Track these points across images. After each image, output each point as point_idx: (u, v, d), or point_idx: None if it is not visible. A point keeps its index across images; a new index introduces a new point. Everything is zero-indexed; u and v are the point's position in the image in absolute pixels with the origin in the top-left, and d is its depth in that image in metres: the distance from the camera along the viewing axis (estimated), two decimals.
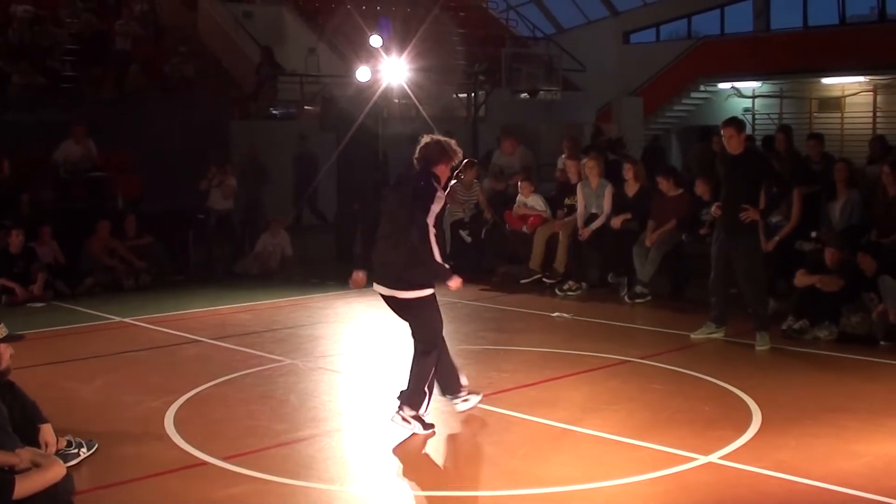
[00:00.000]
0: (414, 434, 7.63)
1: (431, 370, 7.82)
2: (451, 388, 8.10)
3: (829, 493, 6.35)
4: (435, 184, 7.73)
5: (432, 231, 7.69)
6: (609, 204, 14.15)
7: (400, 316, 7.93)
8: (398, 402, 7.73)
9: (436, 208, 7.69)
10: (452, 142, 7.96)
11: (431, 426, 7.71)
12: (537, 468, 6.89)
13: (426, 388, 7.78)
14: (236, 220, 17.53)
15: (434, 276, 7.77)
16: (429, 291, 7.77)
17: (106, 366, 10.18)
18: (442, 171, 7.86)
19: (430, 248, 7.64)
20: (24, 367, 8.39)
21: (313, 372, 9.84)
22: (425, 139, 7.96)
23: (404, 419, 7.68)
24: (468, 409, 8.12)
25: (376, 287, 7.81)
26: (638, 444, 7.31)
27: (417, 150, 7.91)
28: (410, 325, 7.89)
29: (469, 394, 8.16)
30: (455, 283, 7.88)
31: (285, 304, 13.69)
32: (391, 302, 7.83)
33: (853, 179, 12.44)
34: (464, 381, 8.13)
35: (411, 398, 7.72)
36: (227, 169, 17.26)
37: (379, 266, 7.81)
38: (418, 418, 7.69)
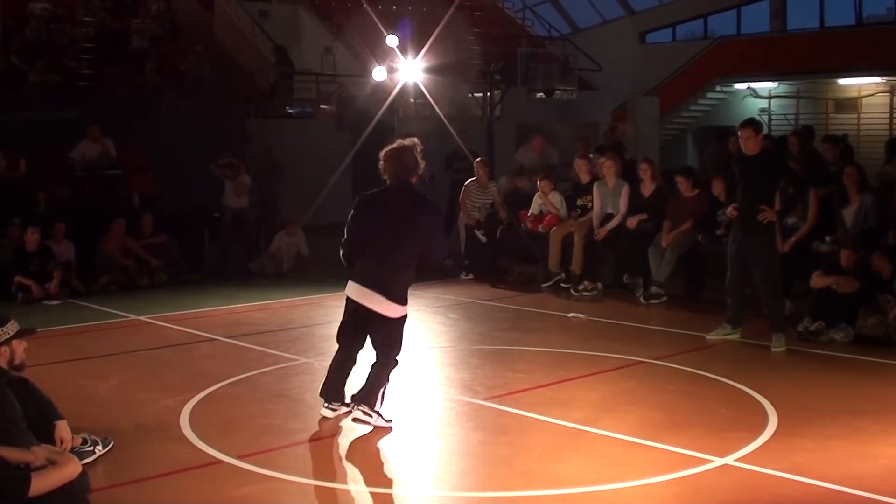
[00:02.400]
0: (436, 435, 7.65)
1: (389, 375, 7.97)
2: (333, 395, 8.16)
3: (845, 495, 6.33)
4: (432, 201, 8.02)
5: None
6: (626, 204, 14.14)
7: (372, 330, 7.94)
8: (353, 403, 7.93)
9: None
10: (416, 142, 8.00)
11: (390, 420, 7.86)
12: (553, 469, 6.88)
13: (382, 390, 7.92)
14: (251, 218, 17.54)
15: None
16: (406, 309, 7.98)
17: (121, 364, 10.21)
18: (414, 179, 8.01)
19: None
20: (39, 365, 8.42)
21: None
22: (397, 145, 7.96)
23: (365, 413, 7.82)
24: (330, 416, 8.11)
25: (361, 294, 7.82)
26: (653, 446, 7.30)
27: (391, 159, 7.88)
28: (381, 340, 7.92)
29: (341, 405, 8.15)
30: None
31: (300, 303, 13.70)
32: (373, 317, 7.82)
33: (865, 183, 12.39)
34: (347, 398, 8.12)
35: (368, 398, 7.86)
36: (242, 166, 17.28)
37: (375, 270, 7.80)
38: (377, 413, 7.84)
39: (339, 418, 8.11)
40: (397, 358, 7.98)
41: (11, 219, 14.55)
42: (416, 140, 8.02)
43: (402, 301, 7.84)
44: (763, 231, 10.52)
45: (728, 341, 10.91)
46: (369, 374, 7.93)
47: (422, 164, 7.95)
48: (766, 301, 10.73)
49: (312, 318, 12.66)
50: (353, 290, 7.89)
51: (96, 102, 18.59)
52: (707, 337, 11.03)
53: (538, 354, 10.61)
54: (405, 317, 7.94)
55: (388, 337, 7.89)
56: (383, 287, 7.75)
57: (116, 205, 16.40)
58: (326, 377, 8.18)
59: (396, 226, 7.78)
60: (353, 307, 7.94)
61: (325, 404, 8.12)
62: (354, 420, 7.86)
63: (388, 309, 7.76)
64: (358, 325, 7.98)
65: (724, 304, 11.21)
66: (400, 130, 18.30)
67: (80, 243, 14.88)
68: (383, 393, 7.92)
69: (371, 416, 7.79)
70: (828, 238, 12.12)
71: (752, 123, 10.79)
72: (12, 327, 6.41)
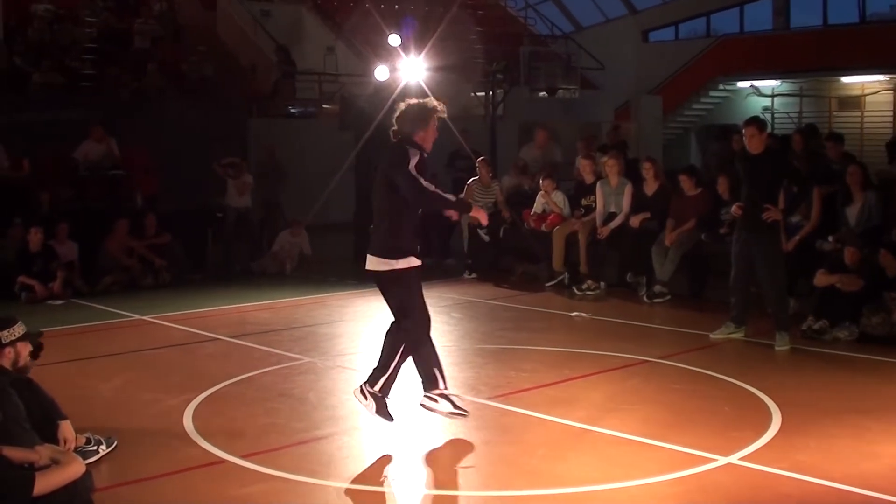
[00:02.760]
0: (436, 431, 7.65)
1: (430, 350, 7.72)
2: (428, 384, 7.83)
3: (849, 494, 6.32)
4: (408, 147, 7.49)
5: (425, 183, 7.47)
6: (629, 203, 14.12)
7: (386, 295, 7.73)
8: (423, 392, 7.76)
9: (414, 164, 7.43)
10: (428, 100, 7.76)
11: (461, 409, 7.73)
12: (556, 468, 6.87)
13: (437, 369, 7.71)
14: (254, 218, 17.56)
15: (452, 207, 7.77)
16: (414, 263, 7.57)
17: (125, 363, 10.21)
18: (422, 137, 7.62)
19: (431, 192, 7.49)
20: (43, 365, 8.37)
21: (332, 370, 9.84)
22: (400, 106, 7.73)
23: (431, 399, 7.72)
24: (435, 410, 7.78)
25: (368, 262, 7.66)
26: (657, 445, 7.29)
27: (394, 121, 7.69)
28: (391, 304, 7.72)
29: (441, 397, 7.79)
30: (477, 212, 7.92)
31: (304, 303, 13.70)
32: (378, 277, 7.63)
33: (868, 182, 12.37)
34: (441, 385, 7.78)
35: (427, 383, 7.72)
36: (244, 166, 17.30)
37: (374, 235, 7.71)
38: (443, 397, 7.71)
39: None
40: (417, 329, 7.65)
41: (13, 219, 14.56)
42: (423, 100, 7.77)
43: (395, 255, 7.51)
44: (768, 230, 10.50)
45: (732, 340, 10.90)
46: (389, 359, 7.73)
47: (427, 118, 7.64)
48: (771, 300, 10.71)
49: (316, 318, 12.65)
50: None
51: (99, 103, 18.60)
52: (711, 336, 11.01)
53: (542, 353, 10.60)
54: (408, 272, 7.56)
55: (395, 297, 7.66)
56: (373, 246, 7.63)
57: (119, 205, 16.42)
58: None
59: (378, 181, 7.66)
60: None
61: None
62: (422, 406, 7.76)
63: (379, 263, 7.55)
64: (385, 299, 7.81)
65: (727, 303, 11.18)
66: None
67: (84, 243, 14.90)
68: (440, 370, 7.72)
69: (437, 401, 7.68)
70: (831, 237, 12.10)
71: (755, 122, 10.78)
72: (19, 329, 6.43)
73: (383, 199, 7.58)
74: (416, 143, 7.59)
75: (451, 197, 7.78)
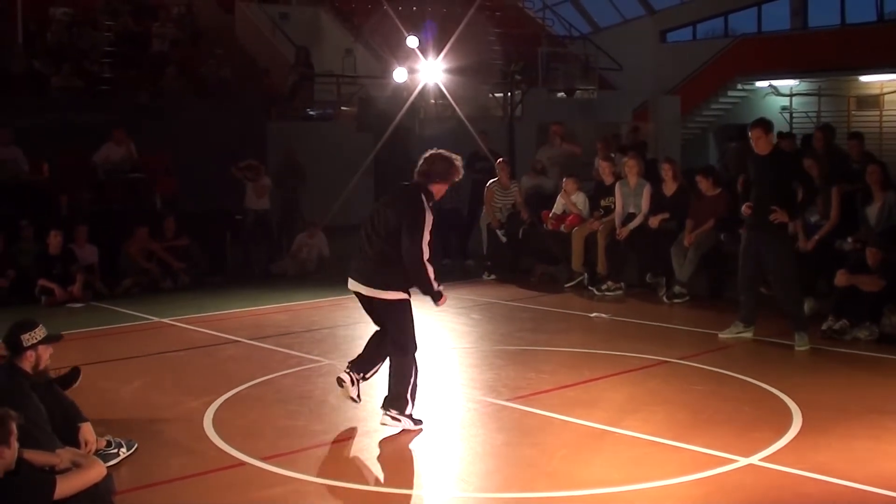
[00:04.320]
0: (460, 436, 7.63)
1: (412, 372, 7.81)
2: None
3: (870, 495, 6.30)
4: (425, 203, 7.64)
5: (426, 247, 7.62)
6: (647, 203, 14.09)
7: (375, 317, 7.98)
8: (382, 408, 7.82)
9: (428, 226, 7.62)
10: (457, 159, 7.92)
11: (420, 422, 7.80)
12: (577, 470, 6.87)
13: (409, 391, 7.78)
14: (273, 220, 17.58)
15: (426, 293, 7.78)
16: (406, 295, 7.77)
17: (145, 366, 10.24)
18: (438, 189, 7.84)
19: (426, 270, 7.62)
20: (63, 368, 8.47)
21: None
22: (434, 153, 7.91)
23: (393, 418, 7.75)
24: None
25: (353, 285, 7.87)
26: (678, 446, 7.27)
27: (423, 162, 7.85)
28: (388, 328, 7.88)
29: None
30: (442, 302, 7.88)
31: (323, 305, 13.70)
32: (369, 302, 7.87)
33: (888, 181, 12.32)
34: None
35: (395, 402, 7.76)
36: (262, 169, 17.33)
37: (360, 263, 7.86)
38: (408, 416, 7.76)
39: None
40: (402, 351, 7.81)
41: (20, 222, 14.60)
42: (454, 158, 7.92)
43: (397, 287, 7.73)
44: (777, 230, 10.47)
45: (751, 341, 10.85)
46: (388, 374, 7.89)
47: (451, 177, 7.86)
48: (784, 301, 10.67)
49: (335, 320, 12.65)
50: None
51: (118, 106, 18.67)
52: (719, 336, 10.99)
53: (562, 355, 10.60)
54: (402, 302, 7.77)
55: (389, 327, 7.85)
56: (367, 278, 7.79)
57: (139, 208, 16.46)
58: None
59: (389, 216, 7.75)
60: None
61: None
62: (383, 423, 7.82)
63: (380, 293, 7.73)
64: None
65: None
66: (421, 132, 18.29)
67: (103, 246, 14.94)
68: (412, 394, 7.82)
69: (399, 420, 7.75)
70: (850, 238, 12.04)
71: (761, 123, 10.73)
72: (40, 332, 6.47)
73: (389, 236, 7.69)
74: (430, 191, 7.79)
75: (434, 284, 7.73)
